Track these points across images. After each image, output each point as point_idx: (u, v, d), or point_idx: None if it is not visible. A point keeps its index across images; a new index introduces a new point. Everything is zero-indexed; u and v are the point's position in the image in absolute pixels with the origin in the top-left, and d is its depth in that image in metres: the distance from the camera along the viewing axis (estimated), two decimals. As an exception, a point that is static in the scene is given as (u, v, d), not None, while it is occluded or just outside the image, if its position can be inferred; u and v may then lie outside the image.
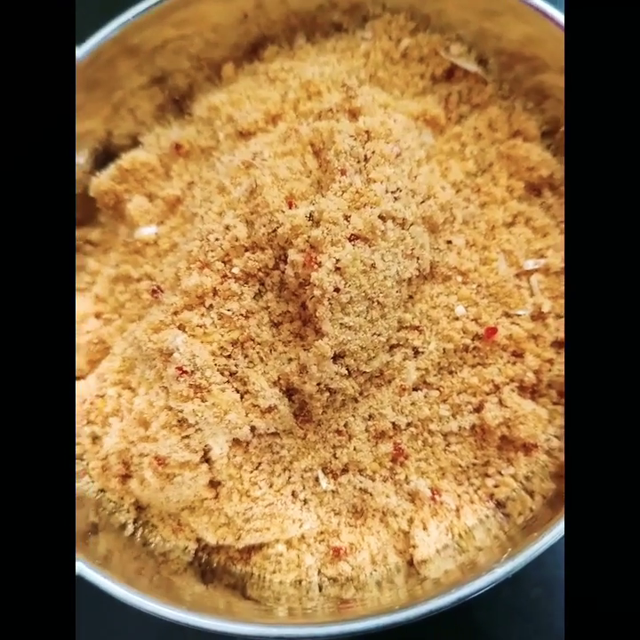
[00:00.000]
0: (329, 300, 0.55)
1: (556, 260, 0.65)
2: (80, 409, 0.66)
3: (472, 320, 0.62)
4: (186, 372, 0.57)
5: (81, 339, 0.71)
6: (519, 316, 0.63)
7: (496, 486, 0.63)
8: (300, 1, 0.75)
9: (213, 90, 0.76)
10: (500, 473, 0.63)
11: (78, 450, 0.66)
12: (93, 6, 0.76)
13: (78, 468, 0.66)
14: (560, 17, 0.63)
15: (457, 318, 0.62)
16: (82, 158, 0.75)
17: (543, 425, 0.62)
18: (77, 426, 0.66)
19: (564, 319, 0.63)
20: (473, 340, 0.62)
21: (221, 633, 0.53)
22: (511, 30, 0.69)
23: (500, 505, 0.63)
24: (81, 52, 0.69)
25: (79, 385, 0.68)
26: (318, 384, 0.58)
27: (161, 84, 0.78)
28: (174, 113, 0.79)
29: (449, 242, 0.65)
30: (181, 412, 0.57)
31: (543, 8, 0.64)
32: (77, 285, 0.75)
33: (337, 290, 0.55)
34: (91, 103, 0.73)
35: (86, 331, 0.71)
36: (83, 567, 0.55)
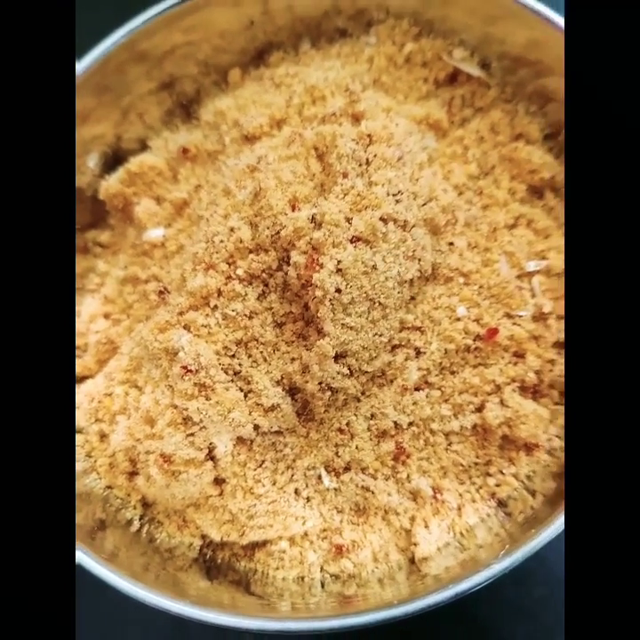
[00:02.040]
0: (330, 300, 0.56)
1: (558, 261, 0.65)
2: (88, 407, 0.67)
3: (474, 321, 0.63)
4: (190, 370, 0.58)
5: (90, 339, 0.73)
6: (520, 316, 0.64)
7: (497, 485, 0.64)
8: (306, 7, 0.75)
9: (220, 95, 0.77)
10: (501, 472, 0.64)
11: (86, 447, 0.68)
12: (103, 12, 0.78)
13: (86, 465, 0.67)
14: (561, 21, 0.64)
15: (459, 319, 0.63)
16: (92, 162, 0.77)
17: (544, 425, 0.63)
18: (85, 424, 0.68)
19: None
20: (474, 340, 0.63)
21: (225, 627, 0.54)
22: (515, 35, 0.70)
23: (501, 504, 0.64)
24: (90, 57, 0.70)
25: (88, 384, 0.70)
26: (320, 383, 0.59)
27: (169, 90, 0.79)
28: (182, 117, 0.80)
29: (451, 243, 0.65)
30: (186, 410, 0.58)
31: (546, 13, 0.65)
32: (87, 287, 0.77)
33: (338, 290, 0.56)
34: (101, 108, 0.75)
35: (95, 331, 0.73)
36: (90, 562, 0.56)
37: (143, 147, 0.79)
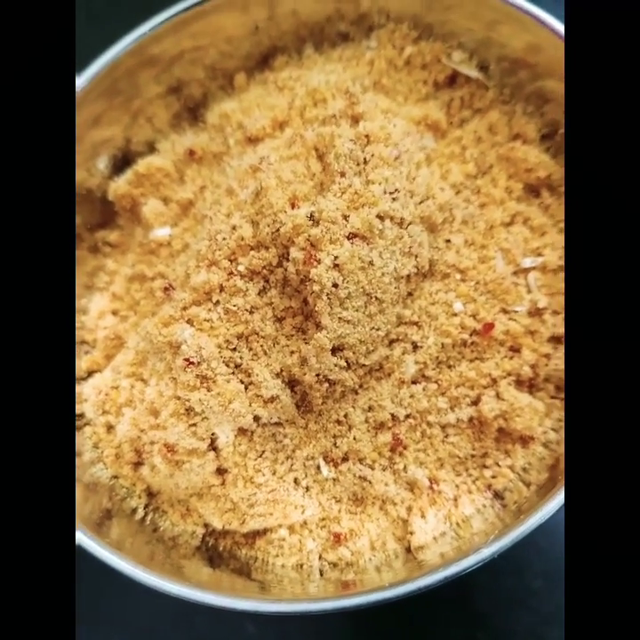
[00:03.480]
0: (327, 294, 0.58)
1: (554, 257, 0.67)
2: (96, 400, 0.69)
3: (470, 316, 0.65)
4: (193, 363, 0.60)
5: (98, 334, 0.75)
6: (516, 312, 0.65)
7: (493, 477, 0.65)
8: (310, 12, 0.77)
9: (226, 98, 0.80)
10: (497, 464, 0.65)
11: (94, 439, 0.70)
12: (113, 18, 0.81)
13: (93, 455, 0.69)
14: (561, 27, 0.65)
15: (455, 314, 0.65)
16: (102, 164, 0.79)
17: (540, 417, 0.64)
18: (93, 416, 0.70)
19: (560, 315, 0.65)
20: (471, 335, 0.64)
21: (229, 609, 0.55)
22: (514, 39, 0.71)
23: (497, 495, 0.65)
24: (101, 62, 0.73)
25: (96, 378, 0.72)
26: (317, 375, 0.60)
27: (177, 94, 0.81)
28: (189, 121, 0.82)
29: (448, 241, 0.67)
30: (188, 401, 0.60)
31: (545, 18, 0.66)
32: (97, 285, 0.79)
33: (335, 285, 0.58)
34: (111, 112, 0.77)
35: (103, 327, 0.75)
36: (97, 549, 0.58)
37: (151, 149, 0.81)
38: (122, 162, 0.80)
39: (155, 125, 0.81)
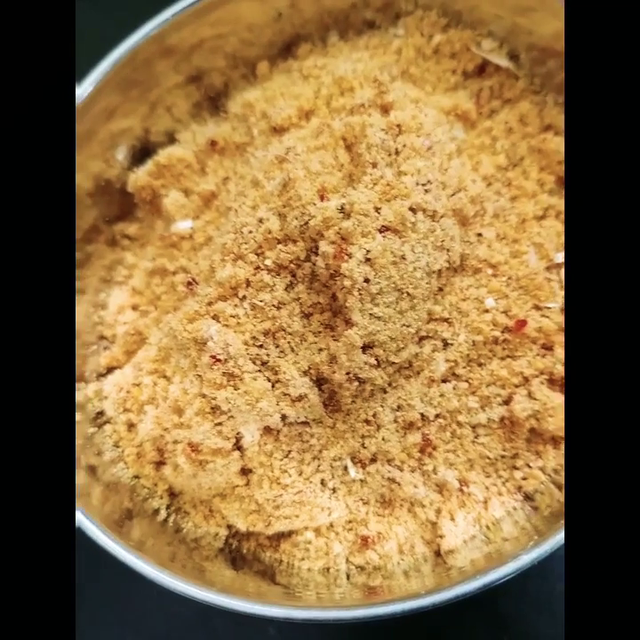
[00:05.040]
0: (359, 290, 0.56)
1: (588, 253, 0.65)
2: (117, 397, 0.68)
3: (502, 312, 0.63)
4: (219, 360, 0.58)
5: (118, 330, 0.74)
6: (549, 308, 0.64)
7: (524, 479, 0.64)
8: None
9: (248, 87, 0.78)
10: (528, 465, 0.64)
11: (114, 437, 0.69)
12: (130, 6, 0.78)
13: (114, 454, 0.68)
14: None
15: (487, 310, 0.63)
16: (120, 155, 0.77)
17: (573, 418, 0.62)
18: (114, 414, 0.68)
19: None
20: (502, 332, 0.63)
21: (251, 615, 0.54)
22: (544, 26, 0.69)
23: (528, 497, 0.64)
24: (119, 52, 0.71)
25: (116, 374, 0.70)
26: (347, 373, 0.59)
27: (197, 83, 0.79)
28: (210, 110, 0.80)
29: (479, 234, 0.65)
30: (214, 399, 0.58)
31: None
32: (115, 279, 0.77)
33: (367, 280, 0.56)
34: (129, 102, 0.75)
35: (123, 322, 0.74)
36: (118, 549, 0.57)
37: (171, 139, 0.79)
38: (141, 152, 0.78)
39: (174, 115, 0.79)
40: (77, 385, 0.71)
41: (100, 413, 0.70)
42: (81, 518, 0.58)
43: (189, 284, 0.65)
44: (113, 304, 0.75)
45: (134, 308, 0.74)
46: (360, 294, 0.56)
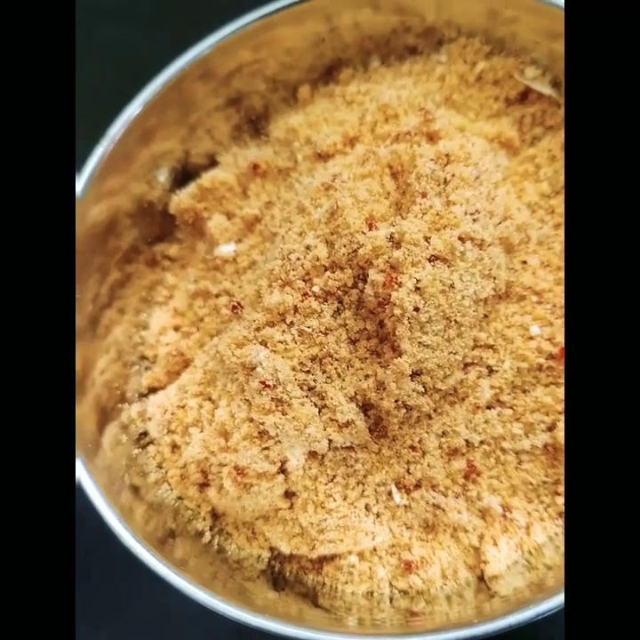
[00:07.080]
0: (408, 319, 0.56)
1: (630, 281, 0.65)
2: (161, 419, 0.68)
3: (546, 340, 0.63)
4: (268, 385, 0.59)
5: (160, 350, 0.74)
6: (593, 336, 0.64)
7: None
8: (373, 25, 0.76)
9: (289, 111, 0.78)
10: (570, 492, 0.64)
11: (158, 458, 0.69)
12: (172, 27, 0.79)
13: (157, 476, 0.68)
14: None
15: (531, 338, 0.63)
16: (162, 177, 0.78)
17: (615, 446, 0.62)
18: (158, 435, 0.69)
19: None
20: (547, 359, 0.63)
21: (292, 638, 0.54)
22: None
23: (570, 524, 0.64)
24: (164, 76, 0.72)
25: (159, 395, 0.71)
26: (396, 401, 0.59)
27: (237, 105, 0.80)
28: (250, 133, 0.81)
29: (524, 262, 0.65)
30: (263, 424, 0.59)
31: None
32: (155, 299, 0.78)
33: (416, 309, 0.56)
34: (168, 125, 0.76)
35: (165, 343, 0.74)
36: (159, 567, 0.57)
37: (212, 162, 0.80)
38: (182, 174, 0.79)
39: (215, 138, 0.80)
40: (120, 406, 0.72)
41: (144, 434, 0.71)
42: (123, 532, 0.58)
43: (234, 307, 0.65)
44: (154, 325, 0.76)
45: (176, 328, 0.75)
46: (409, 323, 0.57)
